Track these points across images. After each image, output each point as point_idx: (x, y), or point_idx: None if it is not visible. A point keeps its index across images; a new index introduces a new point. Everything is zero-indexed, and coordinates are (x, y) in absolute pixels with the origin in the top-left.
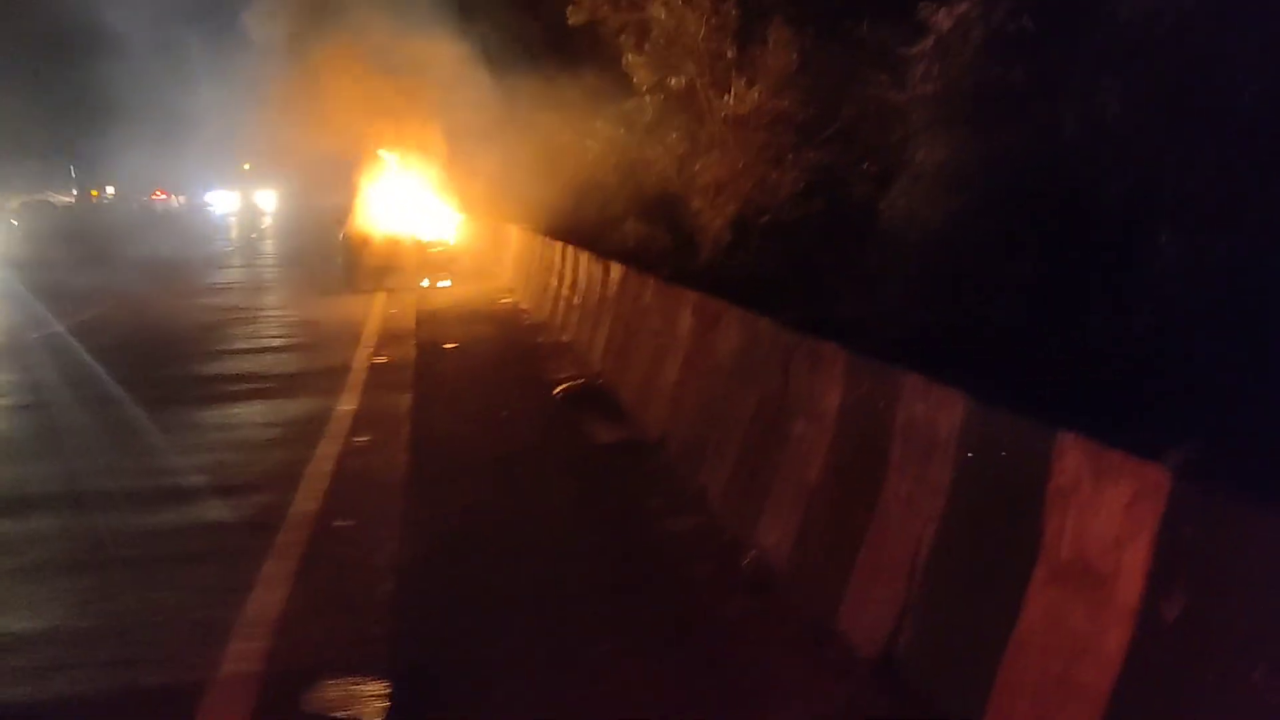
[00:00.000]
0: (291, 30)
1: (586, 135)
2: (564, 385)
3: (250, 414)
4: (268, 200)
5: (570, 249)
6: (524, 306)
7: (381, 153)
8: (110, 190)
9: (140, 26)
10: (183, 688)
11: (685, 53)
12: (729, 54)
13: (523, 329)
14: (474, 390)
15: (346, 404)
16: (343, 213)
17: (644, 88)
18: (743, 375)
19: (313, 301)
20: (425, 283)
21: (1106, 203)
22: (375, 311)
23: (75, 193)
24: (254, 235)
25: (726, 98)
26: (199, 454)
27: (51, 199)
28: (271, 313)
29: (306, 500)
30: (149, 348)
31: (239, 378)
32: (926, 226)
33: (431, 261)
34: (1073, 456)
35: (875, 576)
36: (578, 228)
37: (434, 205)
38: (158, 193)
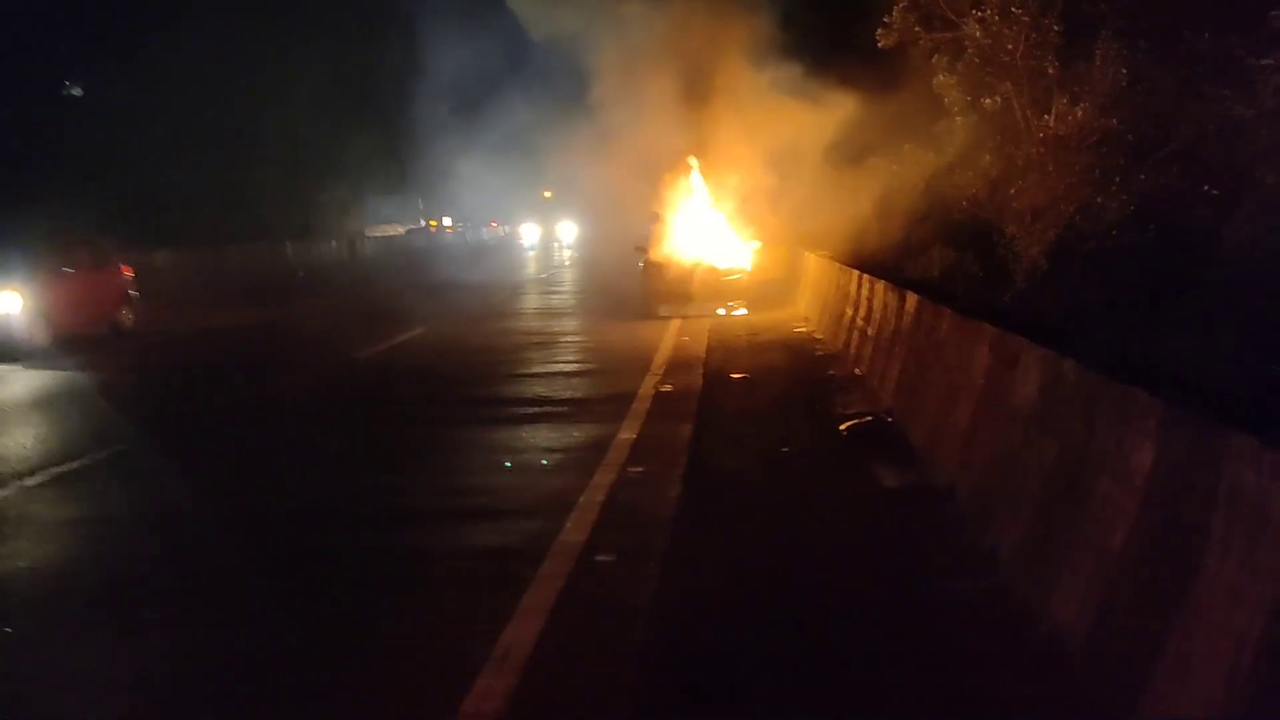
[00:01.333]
0: (607, 61)
1: (893, 160)
2: (851, 422)
3: (535, 438)
4: (569, 230)
5: (865, 277)
6: (818, 336)
7: (682, 180)
8: (448, 221)
9: (468, 69)
10: None
11: (1001, 71)
12: (1050, 71)
13: (814, 360)
14: (757, 423)
15: (627, 432)
16: (643, 241)
17: (955, 109)
18: (1042, 422)
19: (609, 328)
20: (721, 310)
21: None
22: (668, 338)
23: (422, 223)
24: (557, 263)
25: (1046, 118)
26: (480, 476)
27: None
28: (568, 338)
29: (574, 530)
30: (452, 369)
31: (530, 401)
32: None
33: (727, 289)
34: None
35: (1187, 673)
36: (879, 255)
37: (731, 232)
38: (493, 224)
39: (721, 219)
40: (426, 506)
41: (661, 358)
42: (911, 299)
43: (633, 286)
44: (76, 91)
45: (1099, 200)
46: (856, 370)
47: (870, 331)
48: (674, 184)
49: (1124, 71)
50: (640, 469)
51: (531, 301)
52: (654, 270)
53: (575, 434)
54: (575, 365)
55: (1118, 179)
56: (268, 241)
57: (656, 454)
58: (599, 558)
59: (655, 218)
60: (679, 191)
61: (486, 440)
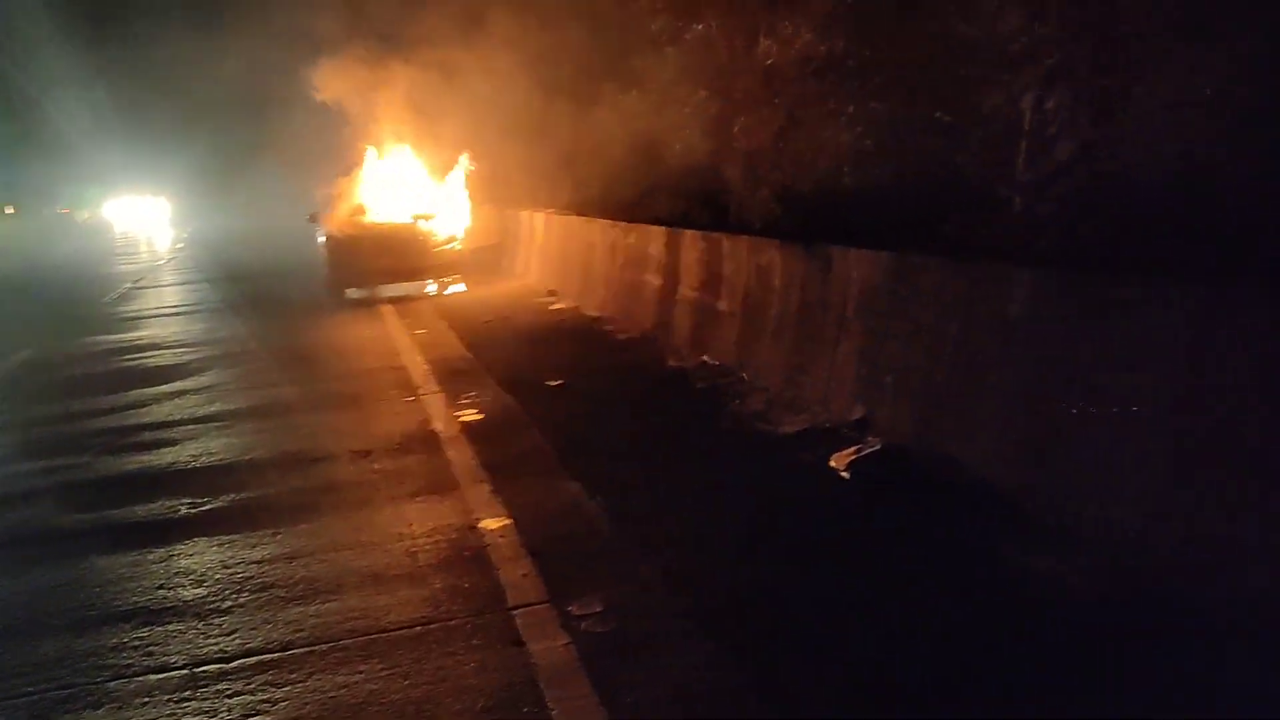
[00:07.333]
0: None
1: (592, 102)
2: (850, 455)
3: (332, 547)
4: (156, 211)
5: (695, 236)
6: (594, 314)
7: (364, 141)
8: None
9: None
10: None
11: None
12: None
13: (630, 348)
14: (672, 467)
15: (488, 514)
16: (318, 210)
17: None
18: None
19: (309, 326)
20: (432, 288)
21: None
22: (397, 334)
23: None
24: (179, 247)
25: (765, 41)
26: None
27: None
28: (264, 347)
29: None
30: (88, 427)
31: (281, 464)
32: (1014, 180)
33: (436, 262)
34: None
35: None
36: (587, 209)
37: (427, 195)
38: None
39: (415, 182)
40: None
41: (417, 365)
42: (857, 259)
43: (312, 269)
44: None
45: (827, 134)
46: (715, 359)
47: (726, 307)
48: (348, 145)
49: None
50: (595, 609)
51: (174, 296)
52: (340, 243)
53: (400, 528)
54: (305, 389)
55: (850, 109)
56: None
57: (580, 561)
58: None
59: (331, 186)
60: (359, 153)
61: (205, 569)
